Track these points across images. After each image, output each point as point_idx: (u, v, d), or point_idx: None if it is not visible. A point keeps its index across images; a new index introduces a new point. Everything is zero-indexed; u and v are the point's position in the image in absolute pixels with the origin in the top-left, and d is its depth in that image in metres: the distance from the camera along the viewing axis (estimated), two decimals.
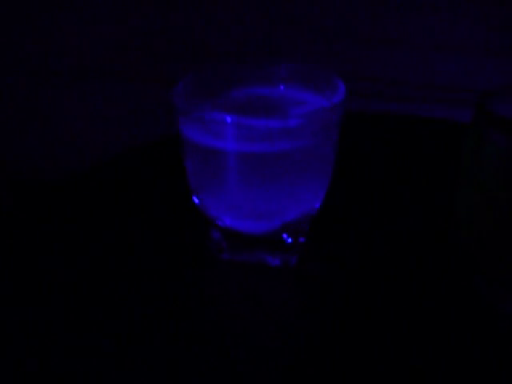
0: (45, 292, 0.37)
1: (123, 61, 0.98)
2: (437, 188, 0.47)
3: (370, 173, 0.50)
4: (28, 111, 1.01)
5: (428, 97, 0.92)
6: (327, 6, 0.92)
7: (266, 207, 0.36)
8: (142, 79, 0.98)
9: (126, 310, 0.36)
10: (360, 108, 0.58)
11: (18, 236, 0.43)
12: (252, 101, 0.39)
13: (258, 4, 0.94)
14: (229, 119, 0.33)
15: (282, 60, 0.40)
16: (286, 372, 0.31)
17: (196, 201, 0.39)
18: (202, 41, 0.95)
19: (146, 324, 0.35)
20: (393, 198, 0.46)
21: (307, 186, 0.37)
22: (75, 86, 0.99)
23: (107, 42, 0.97)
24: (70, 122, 0.99)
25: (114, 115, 0.98)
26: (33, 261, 0.40)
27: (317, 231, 0.41)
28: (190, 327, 0.34)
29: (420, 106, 0.90)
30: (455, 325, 0.34)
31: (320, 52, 0.91)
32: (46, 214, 0.46)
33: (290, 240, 0.39)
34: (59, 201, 0.47)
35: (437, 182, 0.48)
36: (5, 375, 0.32)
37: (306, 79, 0.40)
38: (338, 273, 0.38)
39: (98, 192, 0.48)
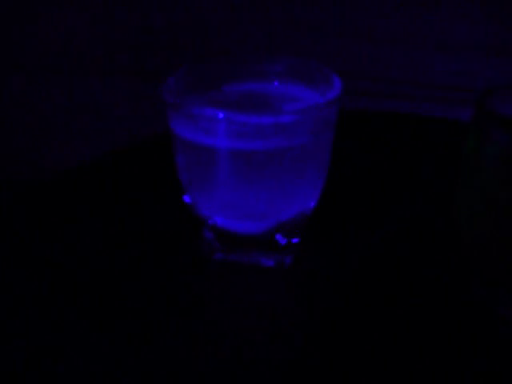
0: (36, 296, 0.37)
1: (115, 57, 0.98)
2: (436, 188, 0.47)
3: (367, 172, 0.50)
4: (17, 108, 1.01)
5: (428, 96, 0.92)
6: (327, 5, 0.92)
7: (259, 207, 0.36)
8: (140, 76, 0.98)
9: (114, 312, 0.35)
10: (359, 107, 0.59)
11: (6, 236, 0.43)
12: (245, 96, 0.39)
13: (257, 1, 0.93)
14: (219, 115, 0.32)
15: (276, 55, 0.40)
16: (280, 374, 0.31)
17: (187, 200, 0.38)
18: (200, 38, 0.95)
19: (136, 326, 0.34)
20: (391, 197, 0.46)
21: (302, 185, 0.37)
22: (66, 82, 0.99)
23: (99, 39, 0.97)
24: (61, 119, 0.99)
25: (108, 112, 0.98)
26: (23, 263, 0.40)
27: (312, 232, 0.41)
28: (181, 330, 0.34)
29: (420, 105, 0.91)
30: (454, 329, 0.33)
31: (319, 51, 0.91)
32: (31, 213, 0.45)
33: (284, 240, 0.38)
34: (41, 201, 0.47)
35: (436, 182, 0.48)
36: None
37: (301, 74, 0.39)
38: (334, 274, 0.38)
39: (86, 191, 0.48)
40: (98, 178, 0.50)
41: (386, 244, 0.40)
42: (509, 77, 0.86)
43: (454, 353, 0.32)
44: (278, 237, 0.38)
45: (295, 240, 0.39)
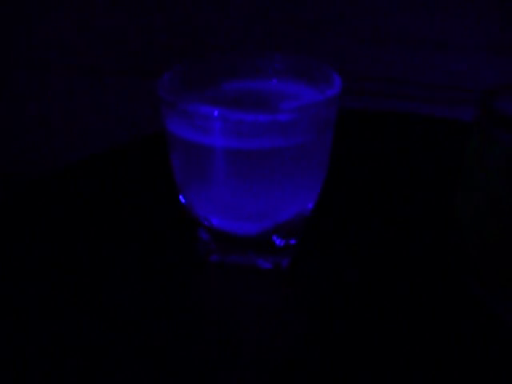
0: (33, 295, 0.37)
1: (115, 57, 0.98)
2: (437, 188, 0.47)
3: (368, 172, 0.50)
4: (17, 107, 1.01)
5: (428, 96, 0.92)
6: (327, 5, 0.92)
7: (256, 207, 0.35)
8: (140, 75, 0.98)
9: (108, 313, 0.35)
10: (360, 107, 0.59)
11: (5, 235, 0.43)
12: (242, 94, 0.38)
13: (257, 1, 0.93)
14: (215, 112, 0.32)
15: (275, 52, 0.39)
16: (277, 376, 0.31)
17: (183, 200, 0.38)
18: (200, 37, 0.95)
19: (130, 328, 0.34)
20: (391, 198, 0.46)
21: (300, 186, 0.36)
22: (66, 81, 0.99)
23: (99, 39, 0.97)
24: (61, 118, 0.99)
25: (108, 111, 0.98)
26: (17, 262, 0.40)
27: (310, 233, 0.40)
28: (177, 332, 0.34)
29: (420, 105, 0.91)
30: (454, 329, 0.33)
31: (320, 50, 0.91)
32: (27, 211, 0.45)
33: (281, 242, 0.38)
34: (35, 200, 0.47)
35: (437, 182, 0.48)
36: None
37: (301, 72, 0.39)
38: (331, 276, 0.38)
39: (81, 191, 0.48)
40: (94, 179, 0.49)
41: (385, 245, 0.40)
42: (509, 77, 0.86)
43: (453, 353, 0.32)
44: (275, 238, 0.37)
45: (293, 241, 0.38)
